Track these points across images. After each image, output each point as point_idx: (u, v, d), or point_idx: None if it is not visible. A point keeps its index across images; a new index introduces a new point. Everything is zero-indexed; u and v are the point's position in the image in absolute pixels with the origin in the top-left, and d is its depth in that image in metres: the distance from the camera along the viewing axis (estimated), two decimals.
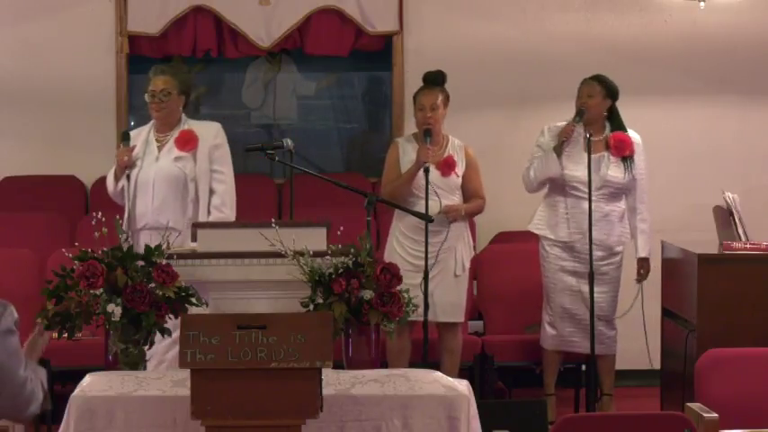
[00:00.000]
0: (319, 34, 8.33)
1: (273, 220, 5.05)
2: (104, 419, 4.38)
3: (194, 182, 6.24)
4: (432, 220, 6.26)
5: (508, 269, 7.31)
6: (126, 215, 6.17)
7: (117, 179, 6.23)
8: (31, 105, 8.04)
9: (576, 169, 6.64)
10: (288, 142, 6.20)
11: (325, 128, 8.63)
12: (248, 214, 7.44)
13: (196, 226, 5.19)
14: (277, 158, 5.95)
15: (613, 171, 6.69)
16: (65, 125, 8.05)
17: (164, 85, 6.26)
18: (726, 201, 6.47)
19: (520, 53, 8.27)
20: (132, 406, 4.40)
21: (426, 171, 6.41)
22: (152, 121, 6.38)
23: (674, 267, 6.62)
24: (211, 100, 8.63)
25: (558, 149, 6.64)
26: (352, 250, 4.88)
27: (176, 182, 6.23)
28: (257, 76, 8.60)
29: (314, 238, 4.95)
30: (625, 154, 6.69)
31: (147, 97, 6.29)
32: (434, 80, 6.72)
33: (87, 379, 4.57)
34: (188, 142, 6.26)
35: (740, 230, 6.38)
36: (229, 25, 8.28)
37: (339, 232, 4.99)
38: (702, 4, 8.04)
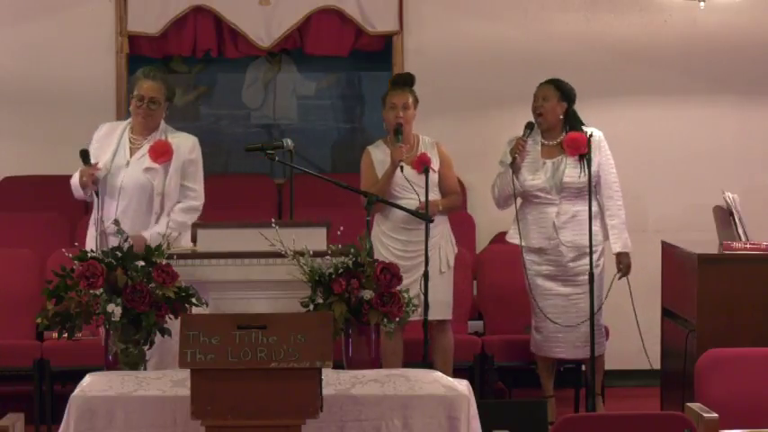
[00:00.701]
0: (319, 34, 8.33)
1: (273, 220, 5.05)
2: (104, 419, 4.38)
3: (161, 196, 6.09)
4: (432, 221, 6.27)
5: (508, 269, 7.31)
6: (97, 216, 6.03)
7: (82, 187, 6.02)
8: (31, 105, 8.04)
9: (534, 178, 6.67)
10: (288, 142, 6.20)
11: (325, 128, 8.62)
12: (248, 214, 7.46)
13: (196, 226, 5.19)
14: (277, 158, 5.94)
15: (570, 172, 6.68)
16: (65, 125, 8.04)
17: (153, 92, 6.13)
18: (726, 201, 6.47)
19: (520, 53, 8.27)
20: (132, 406, 4.40)
21: (401, 168, 6.49)
22: (129, 120, 6.25)
23: (674, 267, 6.62)
24: (211, 100, 8.62)
25: (513, 165, 6.66)
26: (352, 250, 4.88)
27: (143, 192, 6.08)
28: (257, 76, 8.60)
29: (314, 238, 4.95)
30: (580, 152, 6.64)
31: (134, 100, 6.16)
32: (405, 81, 6.79)
33: (87, 379, 4.57)
34: (162, 154, 6.10)
35: (740, 230, 6.38)
36: (229, 25, 8.28)
37: (339, 232, 4.99)
38: (702, 4, 8.04)
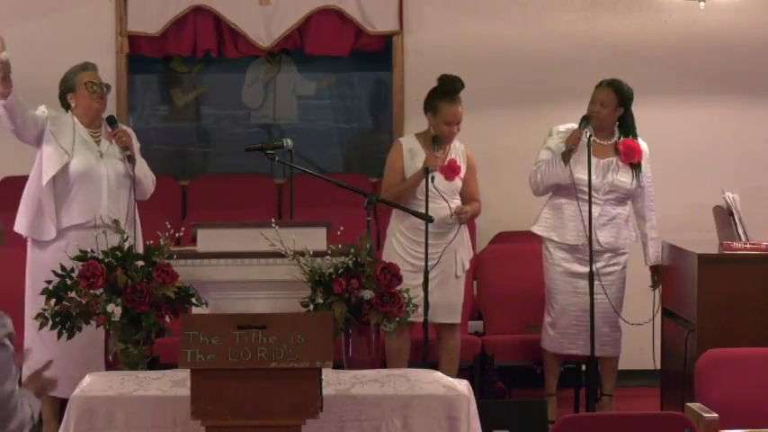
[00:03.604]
0: (319, 34, 8.33)
1: (273, 220, 5.05)
2: (104, 419, 4.38)
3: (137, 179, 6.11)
4: (432, 220, 6.24)
5: (508, 269, 7.31)
6: (53, 208, 6.00)
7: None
8: (31, 105, 8.02)
9: (583, 172, 6.60)
10: (288, 142, 6.20)
11: (325, 128, 8.62)
12: (248, 214, 7.45)
13: (196, 226, 5.19)
14: (277, 158, 5.94)
15: (622, 176, 6.67)
16: None
17: (99, 79, 6.17)
18: (726, 201, 6.47)
19: (520, 53, 8.27)
20: (132, 406, 4.40)
21: (432, 179, 6.37)
22: (68, 113, 6.18)
23: (674, 267, 6.62)
24: (211, 100, 8.63)
25: (566, 156, 6.61)
26: (352, 250, 4.88)
27: (125, 180, 6.08)
28: (257, 76, 8.60)
29: (314, 238, 4.95)
30: (633, 161, 6.67)
31: (81, 89, 6.11)
32: (457, 89, 6.59)
33: (87, 379, 4.57)
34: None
35: (740, 230, 6.38)
36: (229, 25, 8.28)
37: (339, 232, 4.99)
38: (702, 3, 8.04)
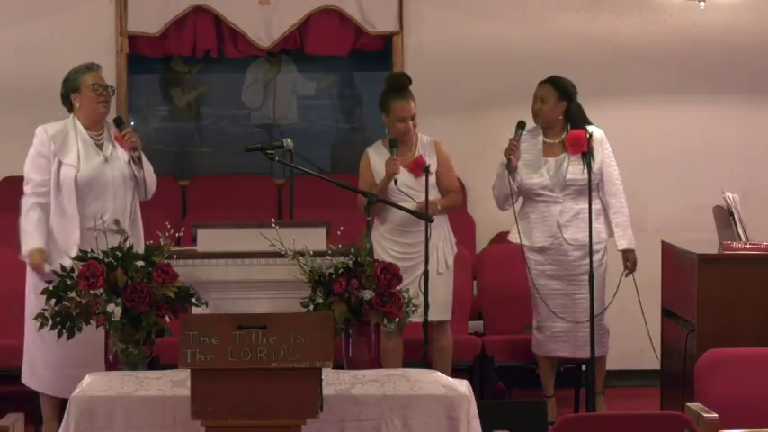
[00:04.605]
0: (319, 34, 8.33)
1: (273, 220, 5.05)
2: (104, 419, 4.38)
3: (143, 182, 6.11)
4: (432, 220, 6.25)
5: (508, 269, 7.31)
6: (67, 214, 6.00)
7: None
8: (31, 105, 8.03)
9: (535, 176, 6.66)
10: (288, 142, 6.20)
11: (325, 128, 8.63)
12: (248, 214, 7.46)
13: (196, 226, 5.19)
14: (277, 158, 5.94)
15: (572, 169, 6.67)
16: None
17: (104, 81, 6.12)
18: (726, 201, 6.47)
19: (520, 53, 8.28)
20: (132, 406, 4.40)
21: (395, 181, 6.44)
22: (69, 120, 6.14)
23: (674, 267, 6.62)
24: (211, 100, 8.63)
25: (508, 166, 6.64)
26: (352, 250, 4.88)
27: (130, 182, 6.07)
28: (257, 76, 8.61)
29: (314, 238, 4.95)
30: (582, 150, 6.64)
31: (87, 91, 6.05)
32: (404, 85, 6.63)
33: (87, 379, 4.57)
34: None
35: (740, 230, 6.38)
36: (229, 25, 8.29)
37: (339, 232, 4.99)
38: (702, 4, 8.04)
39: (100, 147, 6.10)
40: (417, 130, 6.74)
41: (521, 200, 6.79)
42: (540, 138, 6.73)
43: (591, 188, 6.48)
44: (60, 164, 6.04)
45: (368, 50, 8.45)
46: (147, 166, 6.17)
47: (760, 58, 8.31)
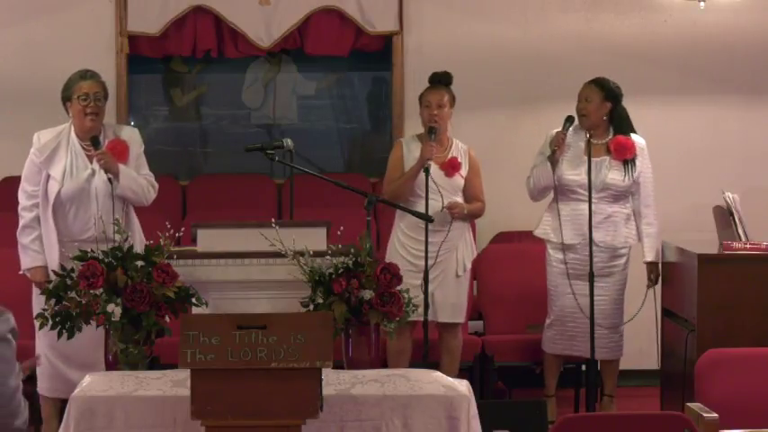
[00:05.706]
0: (319, 34, 8.33)
1: (273, 220, 5.05)
2: (104, 419, 4.38)
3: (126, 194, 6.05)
4: (432, 220, 6.24)
5: (508, 269, 7.31)
6: (48, 228, 6.01)
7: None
8: (31, 105, 8.03)
9: (574, 173, 6.63)
10: (288, 142, 6.20)
11: (325, 128, 8.63)
12: (248, 214, 7.45)
13: (196, 226, 5.19)
14: (277, 158, 5.95)
15: (614, 174, 6.67)
16: None
17: (96, 89, 6.07)
18: (726, 201, 6.47)
19: (520, 53, 8.27)
20: (132, 406, 4.40)
21: (426, 171, 6.38)
22: (66, 126, 6.14)
23: (674, 267, 6.62)
24: (211, 100, 8.63)
25: (551, 158, 6.63)
26: (353, 250, 4.88)
27: (112, 196, 6.00)
28: (257, 76, 8.60)
29: (314, 238, 4.95)
30: (626, 157, 6.67)
31: (76, 101, 6.02)
32: (441, 80, 6.70)
33: (87, 379, 4.57)
34: (121, 153, 6.05)
35: (740, 230, 6.38)
36: (229, 25, 8.28)
37: (339, 232, 5.00)
38: (702, 4, 8.04)
39: (91, 159, 6.07)
40: (454, 137, 6.76)
41: (550, 196, 6.78)
42: (584, 135, 6.67)
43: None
44: (48, 176, 6.04)
45: (368, 50, 8.44)
46: (136, 177, 6.07)
47: (760, 58, 8.30)
